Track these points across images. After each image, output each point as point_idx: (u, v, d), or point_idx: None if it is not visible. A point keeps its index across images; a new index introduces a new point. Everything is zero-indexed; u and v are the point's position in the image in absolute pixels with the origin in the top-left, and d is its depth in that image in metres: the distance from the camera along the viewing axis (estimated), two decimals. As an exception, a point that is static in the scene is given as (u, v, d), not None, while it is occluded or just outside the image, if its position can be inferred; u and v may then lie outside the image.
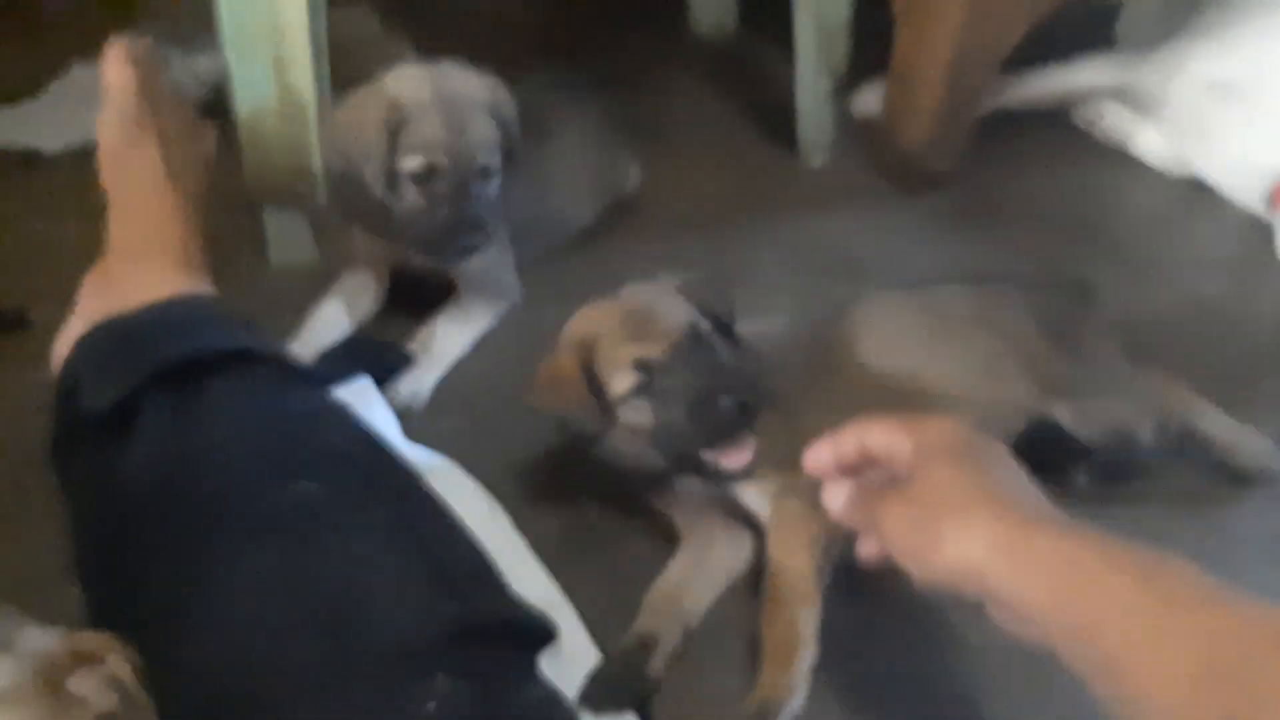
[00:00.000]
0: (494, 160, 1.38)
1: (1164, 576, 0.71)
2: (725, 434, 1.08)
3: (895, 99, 1.78)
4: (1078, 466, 1.25)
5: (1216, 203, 1.79)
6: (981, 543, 0.76)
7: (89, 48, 1.52)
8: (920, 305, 1.25)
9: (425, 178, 1.34)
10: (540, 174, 1.52)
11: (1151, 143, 1.86)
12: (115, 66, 1.26)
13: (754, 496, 1.12)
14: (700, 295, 1.13)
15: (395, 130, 1.32)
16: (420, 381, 1.37)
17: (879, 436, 0.89)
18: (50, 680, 0.87)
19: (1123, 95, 1.89)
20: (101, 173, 1.25)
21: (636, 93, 1.88)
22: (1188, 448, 1.26)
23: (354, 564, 0.91)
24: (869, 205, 1.77)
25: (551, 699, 0.92)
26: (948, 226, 1.72)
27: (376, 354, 1.37)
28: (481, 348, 1.45)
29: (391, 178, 1.34)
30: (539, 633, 0.97)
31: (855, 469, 0.92)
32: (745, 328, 1.19)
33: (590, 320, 1.13)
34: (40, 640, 0.88)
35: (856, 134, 1.90)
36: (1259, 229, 1.72)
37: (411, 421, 1.31)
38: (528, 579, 1.09)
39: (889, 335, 1.22)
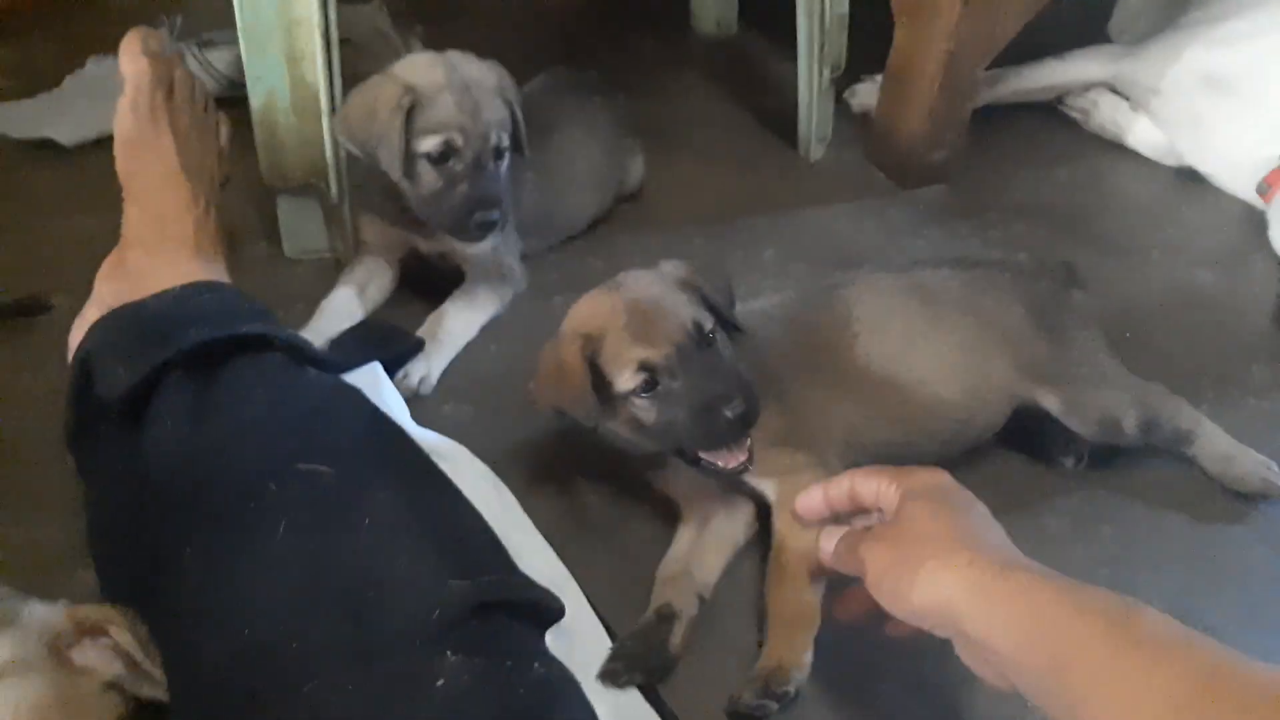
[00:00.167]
0: (506, 140, 1.40)
1: (1132, 621, 0.73)
2: (725, 441, 1.09)
3: (892, 93, 1.80)
4: (1065, 451, 1.28)
5: (1209, 193, 1.82)
6: (956, 583, 0.81)
7: (105, 41, 1.54)
8: (910, 289, 1.26)
9: (442, 158, 1.36)
10: (548, 168, 1.54)
11: (1145, 134, 1.88)
12: (130, 58, 1.28)
13: (754, 477, 1.14)
14: (700, 287, 1.13)
15: (410, 113, 1.34)
16: (429, 367, 1.38)
17: (868, 485, 0.96)
18: (56, 651, 0.89)
19: (1116, 87, 1.91)
20: (117, 163, 1.27)
21: (640, 90, 1.90)
22: (1180, 456, 1.28)
23: (367, 545, 0.93)
24: (866, 198, 1.79)
25: (560, 676, 0.93)
26: (944, 218, 1.75)
27: (386, 340, 1.38)
28: (489, 334, 1.47)
29: (408, 160, 1.36)
30: (547, 611, 0.98)
31: (845, 513, 0.99)
32: (741, 307, 1.20)
33: (594, 312, 1.12)
34: (45, 614, 0.91)
35: (854, 128, 1.93)
36: (1251, 219, 1.74)
37: (420, 406, 1.33)
38: (535, 558, 1.10)
39: (879, 319, 1.23)
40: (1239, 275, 1.65)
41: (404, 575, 0.91)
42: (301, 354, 1.13)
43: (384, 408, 1.14)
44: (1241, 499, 1.26)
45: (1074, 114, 1.97)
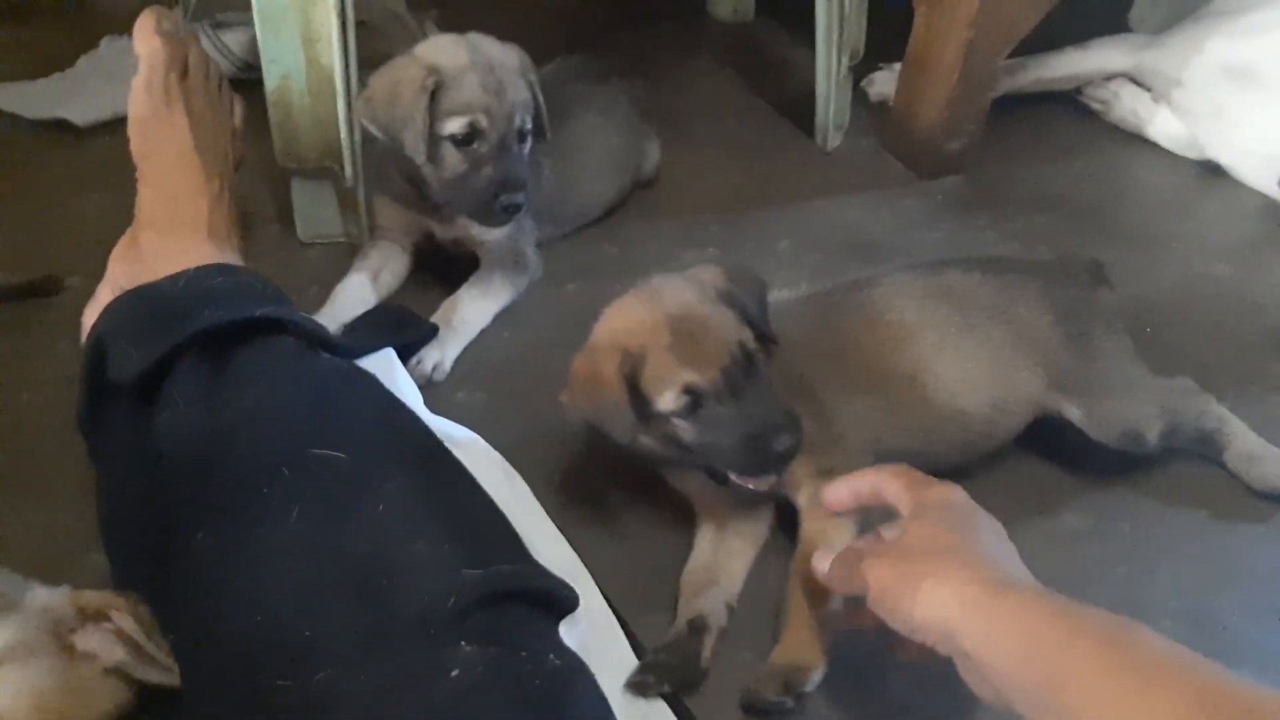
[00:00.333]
0: (529, 122, 1.39)
1: (1128, 643, 0.74)
2: (768, 470, 1.07)
3: (911, 82, 1.78)
4: (1085, 457, 1.26)
5: (1230, 186, 1.80)
6: (954, 600, 0.81)
7: (119, 21, 1.54)
8: (941, 293, 1.23)
9: (467, 140, 1.35)
10: (564, 154, 1.53)
11: (1166, 126, 1.87)
12: (145, 38, 1.27)
13: (782, 486, 1.12)
14: (739, 299, 1.10)
15: (434, 95, 1.33)
16: (443, 354, 1.38)
17: (889, 486, 0.97)
18: (58, 636, 0.89)
19: (1137, 77, 1.90)
20: (131, 144, 1.27)
21: (656, 76, 1.90)
22: (1203, 454, 1.27)
23: (381, 532, 0.92)
24: (883, 188, 1.78)
25: (575, 668, 0.92)
26: (961, 209, 1.73)
27: (400, 326, 1.38)
28: (502, 321, 1.47)
29: (431, 143, 1.35)
30: (561, 600, 0.97)
31: (866, 507, 1.00)
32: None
33: (634, 326, 1.07)
34: (47, 599, 0.91)
35: (872, 117, 1.92)
36: (1272, 213, 1.73)
37: (433, 393, 1.33)
38: (548, 548, 1.09)
39: (909, 324, 1.21)
40: (1259, 270, 1.63)
41: (418, 563, 0.91)
42: (315, 339, 1.12)
43: (397, 394, 1.14)
44: (1264, 498, 1.25)
45: (1094, 105, 1.95)
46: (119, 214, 1.26)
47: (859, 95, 1.93)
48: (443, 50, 1.37)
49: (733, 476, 1.08)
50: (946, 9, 1.66)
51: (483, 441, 1.21)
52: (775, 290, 1.23)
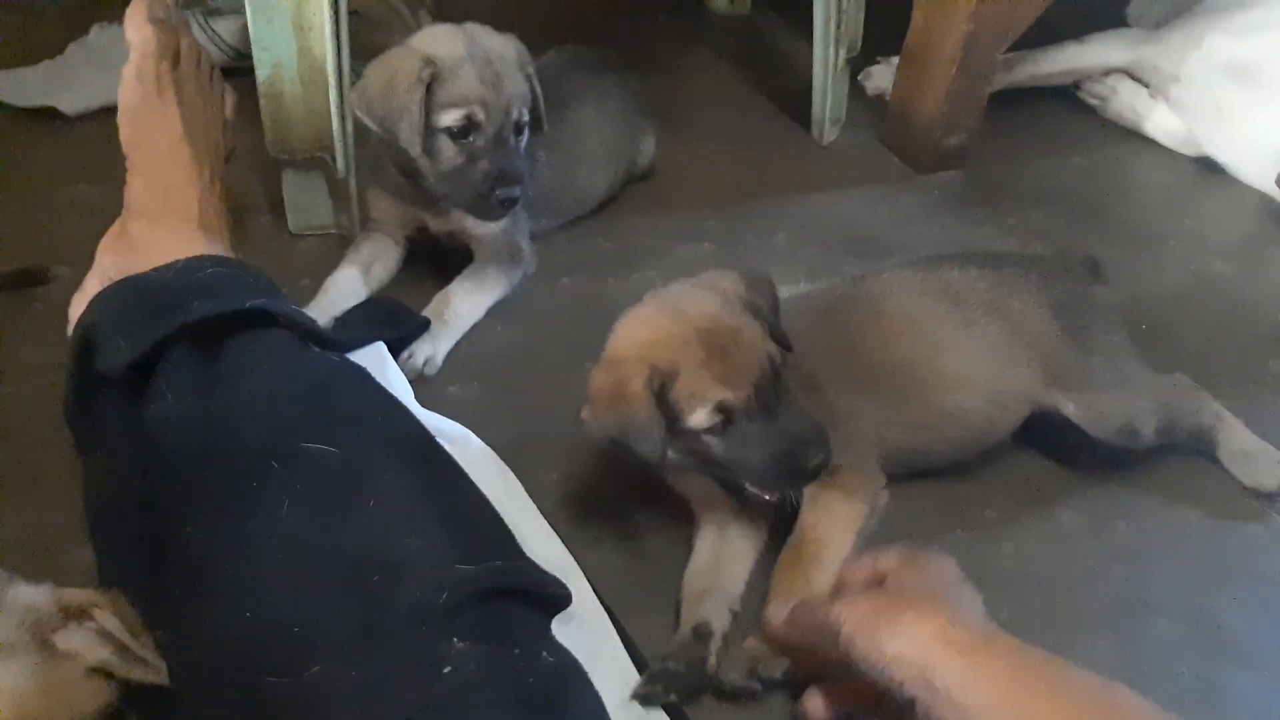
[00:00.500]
0: (526, 115, 1.38)
1: (1111, 708, 0.75)
2: (797, 485, 1.07)
3: (909, 75, 1.78)
4: (1081, 452, 1.26)
5: (1227, 183, 1.80)
6: (933, 637, 0.82)
7: (110, 8, 1.52)
8: (938, 289, 1.23)
9: (463, 133, 1.34)
10: (559, 146, 1.52)
11: (1163, 122, 1.86)
12: (136, 26, 1.26)
13: None
14: (759, 307, 1.07)
15: (430, 86, 1.32)
16: (434, 348, 1.37)
17: (885, 558, 0.98)
18: (38, 635, 0.87)
19: (1135, 73, 1.89)
20: (121, 133, 1.25)
21: (653, 68, 1.89)
22: (1199, 450, 1.27)
23: (373, 527, 0.92)
24: (880, 183, 1.77)
25: (568, 665, 0.92)
26: (958, 205, 1.73)
27: (392, 319, 1.36)
28: (495, 315, 1.46)
29: (427, 135, 1.34)
30: (554, 597, 0.96)
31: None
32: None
33: (662, 340, 1.04)
34: (29, 597, 0.89)
35: (869, 111, 1.91)
36: (1270, 210, 1.73)
37: (425, 387, 1.32)
38: (540, 545, 1.08)
39: (907, 321, 1.20)
40: (1256, 267, 1.64)
41: (410, 558, 0.90)
42: (306, 332, 1.11)
43: (388, 388, 1.13)
44: (1259, 497, 1.25)
45: (1092, 100, 1.95)
46: (108, 204, 1.25)
47: (856, 89, 1.92)
48: (439, 41, 1.35)
49: (749, 487, 1.07)
50: (946, 3, 1.66)
51: (475, 437, 1.20)
52: (782, 289, 1.23)
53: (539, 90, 1.39)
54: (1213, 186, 1.80)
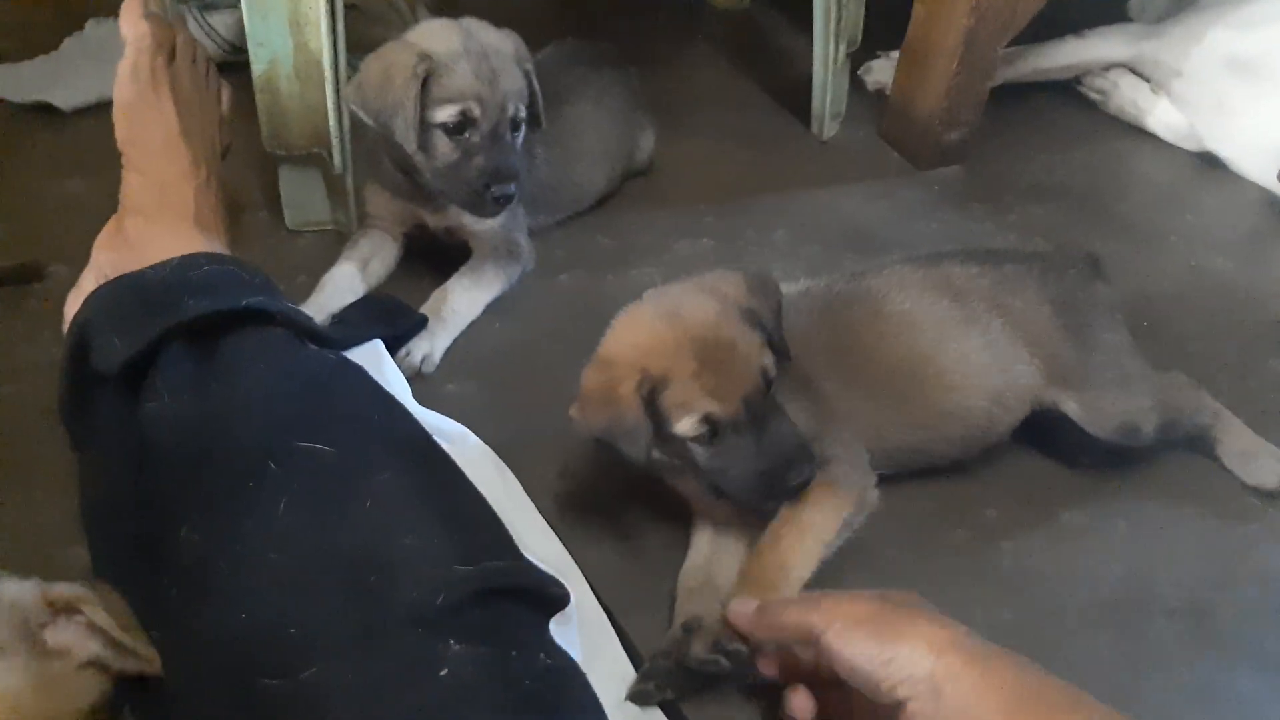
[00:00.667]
0: (523, 111, 1.37)
1: None
2: (779, 500, 1.06)
3: (909, 69, 1.77)
4: (1081, 451, 1.26)
5: (1229, 179, 1.80)
6: (952, 643, 0.81)
7: (105, 3, 1.51)
8: (939, 286, 1.22)
9: (458, 129, 1.33)
10: (557, 141, 1.51)
11: (1165, 117, 1.86)
12: (131, 21, 1.25)
13: None
14: (760, 315, 1.06)
15: (426, 82, 1.31)
16: (432, 345, 1.36)
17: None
18: (27, 631, 0.87)
19: (1137, 68, 1.89)
20: (116, 129, 1.24)
21: (652, 63, 1.88)
22: (1199, 449, 1.27)
23: (370, 527, 0.91)
24: (880, 178, 1.77)
25: (566, 667, 0.91)
26: (959, 200, 1.72)
27: (389, 316, 1.36)
28: (493, 312, 1.45)
29: (423, 131, 1.33)
30: (552, 598, 0.96)
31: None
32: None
33: (655, 346, 1.03)
34: (17, 593, 0.88)
35: (869, 107, 1.91)
36: (1271, 206, 1.72)
37: (422, 384, 1.31)
38: (538, 544, 1.08)
39: (907, 318, 1.19)
40: (1258, 263, 1.63)
41: (407, 558, 0.89)
42: (303, 329, 1.10)
43: (385, 386, 1.12)
44: (1260, 496, 1.24)
45: (1093, 95, 1.94)
46: (104, 200, 1.24)
47: (856, 83, 1.91)
48: (435, 35, 1.34)
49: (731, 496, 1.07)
50: (946, -3, 1.65)
51: (473, 435, 1.20)
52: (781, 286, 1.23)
53: (537, 86, 1.39)
54: (1214, 182, 1.80)
